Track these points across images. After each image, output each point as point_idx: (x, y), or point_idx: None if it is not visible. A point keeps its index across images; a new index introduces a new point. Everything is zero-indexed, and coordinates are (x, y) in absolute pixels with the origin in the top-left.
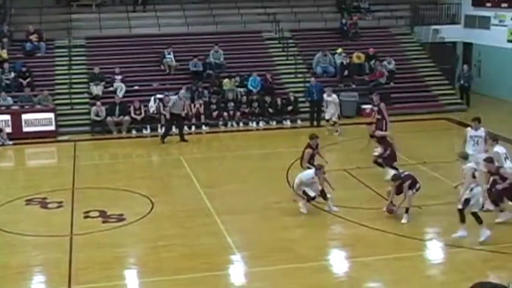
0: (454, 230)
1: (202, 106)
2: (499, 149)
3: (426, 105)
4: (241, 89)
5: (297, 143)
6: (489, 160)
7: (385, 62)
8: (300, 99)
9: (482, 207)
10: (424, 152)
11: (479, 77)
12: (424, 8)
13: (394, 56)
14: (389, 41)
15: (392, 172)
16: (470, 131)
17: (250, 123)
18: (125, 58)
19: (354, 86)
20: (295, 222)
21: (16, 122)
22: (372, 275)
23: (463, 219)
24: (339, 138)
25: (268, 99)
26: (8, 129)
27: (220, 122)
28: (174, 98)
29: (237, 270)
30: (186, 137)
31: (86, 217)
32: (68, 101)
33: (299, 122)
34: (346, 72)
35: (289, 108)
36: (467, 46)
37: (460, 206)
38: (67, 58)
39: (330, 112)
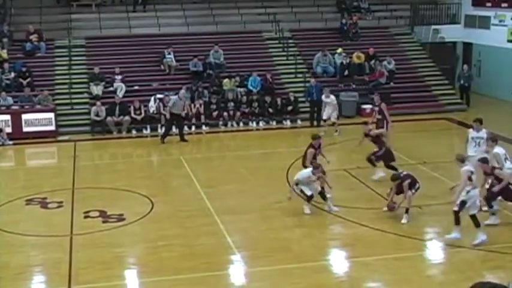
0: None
1: (202, 106)
2: (499, 149)
3: (426, 105)
4: (241, 89)
5: (297, 143)
6: (484, 161)
7: (385, 62)
8: (300, 99)
9: (481, 209)
10: (424, 152)
11: (479, 77)
12: (424, 8)
13: (394, 56)
14: (389, 41)
15: (381, 173)
16: (471, 132)
17: (250, 123)
18: (125, 58)
19: (353, 86)
20: (295, 222)
21: (16, 122)
22: (372, 275)
23: (457, 221)
24: (338, 138)
25: (268, 99)
26: (8, 129)
27: (220, 122)
28: (174, 98)
29: (237, 270)
30: (186, 137)
31: (86, 217)
32: (68, 101)
33: (299, 122)
34: (346, 72)
35: (289, 108)
36: (467, 46)
37: (455, 208)
38: (67, 58)
39: (328, 113)
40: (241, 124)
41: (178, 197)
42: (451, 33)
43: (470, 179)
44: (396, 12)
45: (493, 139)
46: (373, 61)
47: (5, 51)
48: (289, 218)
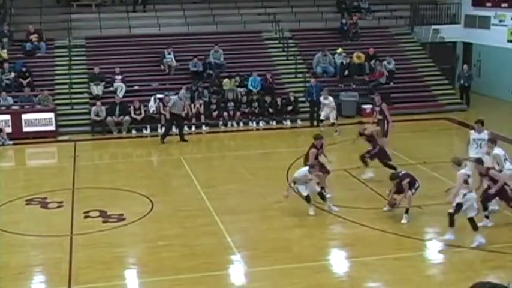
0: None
1: (202, 106)
2: (499, 150)
3: (426, 105)
4: (241, 89)
5: (297, 143)
6: (479, 161)
7: (385, 62)
8: (300, 99)
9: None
10: (424, 152)
11: (479, 77)
12: (424, 8)
13: (394, 56)
14: (389, 41)
15: (371, 173)
16: (473, 134)
17: (250, 123)
18: (125, 58)
19: (353, 86)
20: (295, 222)
21: (16, 122)
22: (372, 275)
23: (451, 223)
24: (338, 138)
25: (268, 99)
26: (8, 129)
27: (220, 122)
28: (174, 98)
29: (237, 270)
30: (186, 137)
31: (86, 217)
32: (68, 101)
33: (299, 122)
34: (346, 72)
35: (289, 108)
36: (467, 46)
37: (451, 210)
38: (67, 58)
39: (326, 113)
40: (241, 124)
41: (178, 197)
42: (451, 33)
43: (466, 182)
44: (396, 12)
45: (492, 140)
46: (373, 61)
47: (5, 51)
48: (289, 218)
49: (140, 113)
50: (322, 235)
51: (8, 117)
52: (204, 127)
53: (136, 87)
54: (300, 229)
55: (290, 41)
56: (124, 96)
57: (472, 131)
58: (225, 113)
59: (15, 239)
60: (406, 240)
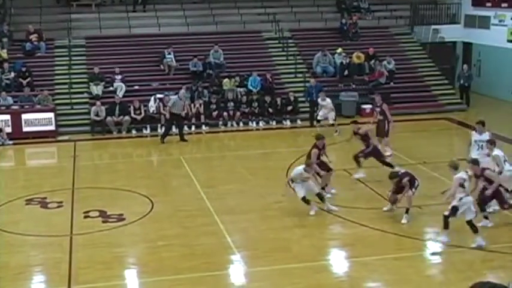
0: (454, 230)
1: (202, 106)
2: (498, 152)
3: (426, 105)
4: (241, 89)
5: (296, 143)
6: (474, 162)
7: (384, 62)
8: (300, 99)
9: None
10: (424, 152)
11: (479, 77)
12: (424, 8)
13: (394, 55)
14: (389, 40)
15: (362, 174)
16: (474, 135)
17: (250, 123)
18: (125, 58)
19: (353, 86)
20: (295, 222)
21: (16, 122)
22: (372, 274)
23: (446, 226)
24: (338, 138)
25: (268, 99)
26: (8, 129)
27: (220, 122)
28: (174, 98)
29: (236, 270)
30: (186, 137)
31: (85, 217)
32: (67, 100)
33: (299, 122)
34: (346, 72)
35: (289, 108)
36: (467, 46)
37: (446, 213)
38: (67, 58)
39: (324, 113)
40: (241, 124)
41: (178, 196)
42: (451, 33)
43: (462, 186)
44: (396, 12)
45: (491, 141)
46: (373, 61)
47: (4, 51)
48: (289, 218)
49: (140, 113)
50: (322, 235)
51: (7, 117)
52: (203, 127)
53: (136, 87)
54: (300, 229)
55: (290, 41)
56: (124, 96)
57: (473, 132)
58: (225, 113)
59: (15, 239)
60: (406, 240)
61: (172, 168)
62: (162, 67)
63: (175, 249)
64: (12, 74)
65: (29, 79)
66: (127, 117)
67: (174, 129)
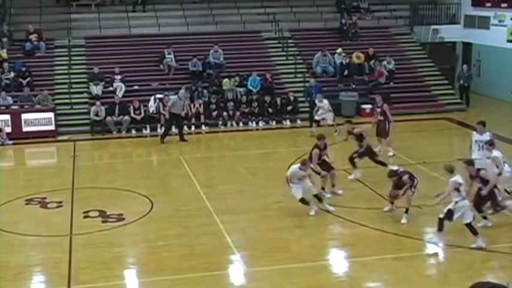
0: (454, 230)
1: (202, 106)
2: (497, 153)
3: (426, 105)
4: (241, 89)
5: (296, 143)
6: (469, 163)
7: (384, 62)
8: (300, 99)
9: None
10: (424, 152)
11: (478, 77)
12: (424, 8)
13: (393, 56)
14: (389, 41)
15: (359, 174)
16: (475, 135)
17: (249, 123)
18: (125, 58)
19: (353, 86)
20: (294, 222)
21: (16, 122)
22: (372, 274)
23: (440, 228)
24: (338, 138)
25: (267, 99)
26: (8, 129)
27: (220, 122)
28: (173, 98)
29: (236, 270)
30: (185, 137)
31: (85, 217)
32: (67, 100)
33: (299, 121)
34: (345, 72)
35: (289, 108)
36: (467, 46)
37: (441, 216)
38: (67, 58)
39: (321, 114)
40: (240, 124)
41: (178, 196)
42: (451, 33)
43: (458, 190)
44: (396, 12)
45: (490, 142)
46: (372, 61)
47: (4, 51)
48: (289, 218)
49: (140, 113)
50: (322, 235)
51: (7, 117)
52: (203, 127)
53: (136, 87)
54: (300, 229)
55: (290, 41)
56: (123, 96)
57: (474, 132)
58: (225, 113)
59: (14, 239)
60: (405, 240)
61: (172, 168)
62: (161, 67)
63: (175, 249)
64: (12, 74)
65: (28, 79)
66: (127, 117)
67: (174, 129)
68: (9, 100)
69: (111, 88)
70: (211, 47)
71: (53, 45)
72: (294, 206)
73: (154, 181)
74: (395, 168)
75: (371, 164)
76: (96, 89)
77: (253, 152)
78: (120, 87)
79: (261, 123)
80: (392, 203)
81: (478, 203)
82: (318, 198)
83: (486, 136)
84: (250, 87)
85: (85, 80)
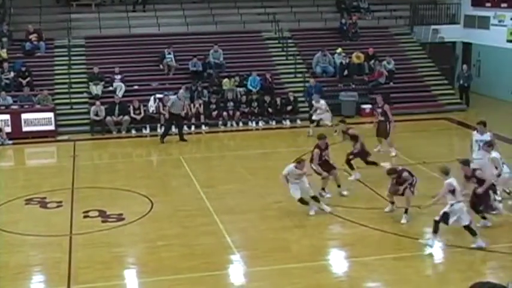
0: (454, 230)
1: (202, 106)
2: (496, 154)
3: (426, 105)
4: (241, 89)
5: (296, 143)
6: (465, 163)
7: (384, 62)
8: (300, 99)
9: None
10: (424, 152)
11: (478, 77)
12: (424, 8)
13: (393, 55)
14: (389, 40)
15: (358, 174)
16: (475, 135)
17: (249, 123)
18: (125, 58)
19: (353, 86)
20: (294, 222)
21: (16, 122)
22: (371, 274)
23: (435, 230)
24: (338, 138)
25: (267, 99)
26: (8, 129)
27: (220, 122)
28: (173, 98)
29: (236, 270)
30: (185, 137)
31: (85, 217)
32: (67, 100)
33: (298, 121)
34: (345, 72)
35: (289, 108)
36: (467, 46)
37: (436, 218)
38: (66, 58)
39: (319, 114)
40: (240, 124)
41: (178, 196)
42: (451, 33)
43: (452, 192)
44: (396, 12)
45: (489, 144)
46: (372, 61)
47: (4, 50)
48: (289, 217)
49: (140, 113)
50: (322, 235)
51: (7, 116)
52: (203, 127)
53: (135, 87)
54: (299, 229)
55: (290, 40)
56: (123, 96)
57: (475, 132)
58: (225, 113)
59: (14, 239)
60: (405, 240)
61: (172, 168)
62: (161, 67)
63: (175, 249)
64: (12, 74)
65: (28, 79)
66: (126, 117)
67: (174, 129)
68: (9, 100)
69: (111, 88)
70: (211, 47)
71: (52, 45)
72: (294, 206)
73: (154, 181)
74: (388, 166)
75: (364, 165)
76: (96, 89)
77: (253, 152)
78: (120, 87)
79: (260, 123)
80: (392, 203)
81: (475, 204)
82: (316, 199)
83: (487, 136)
84: (250, 87)
85: (85, 80)
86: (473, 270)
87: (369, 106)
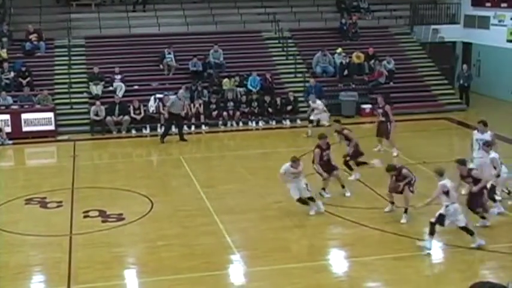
0: (453, 230)
1: (202, 106)
2: (495, 154)
3: (426, 105)
4: (241, 89)
5: (296, 143)
6: (461, 162)
7: (384, 62)
8: (300, 99)
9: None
10: (424, 151)
11: (478, 77)
12: (424, 8)
13: (393, 55)
14: (389, 40)
15: (358, 174)
16: (476, 134)
17: (249, 123)
18: (125, 58)
19: (353, 86)
20: (294, 222)
21: (16, 122)
22: (371, 274)
23: (431, 232)
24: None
25: (267, 98)
26: (8, 129)
27: (220, 122)
28: (172, 98)
29: (236, 270)
30: (185, 137)
31: (85, 217)
32: (67, 100)
33: (298, 121)
34: (345, 72)
35: (289, 108)
36: (467, 46)
37: (432, 220)
38: (67, 58)
39: (317, 115)
40: (240, 124)
41: (178, 196)
42: (451, 33)
43: (447, 194)
44: (396, 12)
45: (488, 144)
46: (372, 61)
47: (4, 50)
48: (289, 217)
49: (140, 113)
50: (322, 235)
51: (7, 116)
52: (203, 127)
53: (135, 87)
54: (299, 229)
55: (290, 40)
56: (123, 96)
57: (475, 131)
58: (225, 113)
59: (14, 239)
60: (405, 240)
61: (172, 168)
62: (161, 67)
63: (175, 249)
64: (12, 74)
65: (28, 79)
66: (127, 117)
67: (174, 129)
68: (9, 100)
69: (111, 88)
70: (211, 47)
71: (52, 45)
72: (294, 206)
73: (154, 181)
74: (377, 162)
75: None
76: (96, 89)
77: (253, 152)
78: (120, 87)
79: (260, 123)
80: (392, 203)
81: (471, 203)
82: (311, 199)
83: (487, 135)
84: (250, 87)
85: (85, 79)
86: (473, 270)
87: (369, 106)
